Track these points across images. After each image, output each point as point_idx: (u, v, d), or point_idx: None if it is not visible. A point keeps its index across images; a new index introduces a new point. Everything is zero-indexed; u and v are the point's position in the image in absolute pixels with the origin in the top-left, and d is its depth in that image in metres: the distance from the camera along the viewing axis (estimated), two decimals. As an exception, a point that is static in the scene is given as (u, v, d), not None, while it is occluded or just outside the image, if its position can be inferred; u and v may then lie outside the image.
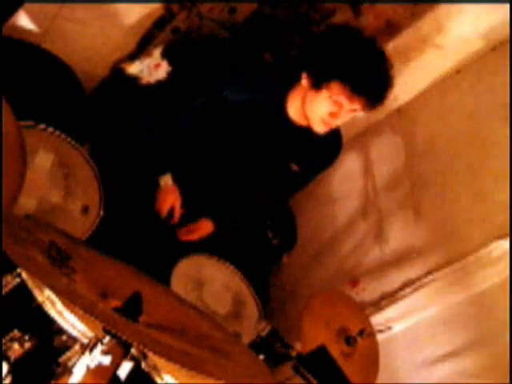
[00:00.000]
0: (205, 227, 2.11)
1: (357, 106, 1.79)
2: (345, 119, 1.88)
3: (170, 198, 2.00)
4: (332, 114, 1.82)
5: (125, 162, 2.15)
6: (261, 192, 2.16)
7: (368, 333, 1.86)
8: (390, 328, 1.94)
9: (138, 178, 2.08)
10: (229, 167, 2.08)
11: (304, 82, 1.84)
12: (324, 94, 1.79)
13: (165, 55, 2.21)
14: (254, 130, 1.99)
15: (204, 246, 2.06)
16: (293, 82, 1.91)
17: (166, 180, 2.00)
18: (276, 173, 2.09)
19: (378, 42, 1.85)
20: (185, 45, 2.23)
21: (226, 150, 2.04)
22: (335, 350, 1.76)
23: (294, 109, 1.94)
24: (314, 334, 1.79)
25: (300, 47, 2.12)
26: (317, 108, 1.84)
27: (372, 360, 1.90)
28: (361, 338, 1.84)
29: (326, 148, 2.07)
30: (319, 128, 1.89)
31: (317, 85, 1.80)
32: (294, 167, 2.07)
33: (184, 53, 2.26)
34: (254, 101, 1.93)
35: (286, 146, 2.02)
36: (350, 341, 1.85)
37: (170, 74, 2.25)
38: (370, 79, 1.76)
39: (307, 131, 1.94)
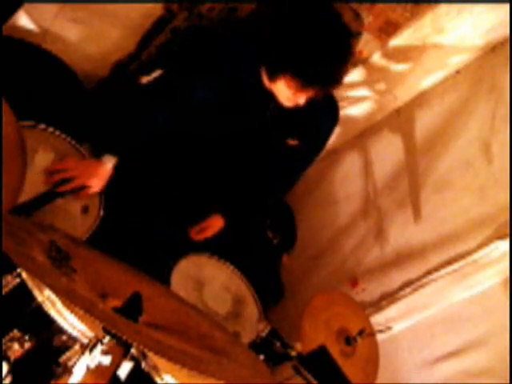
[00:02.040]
0: (216, 223, 2.09)
1: (312, 92, 1.75)
2: (310, 95, 1.81)
3: (98, 173, 1.77)
4: (294, 94, 1.78)
5: (125, 162, 2.14)
6: (266, 177, 2.13)
7: (368, 333, 1.86)
8: (389, 328, 1.94)
9: (138, 178, 2.08)
10: (229, 155, 2.06)
11: (263, 74, 1.82)
12: (279, 84, 1.76)
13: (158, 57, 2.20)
14: (246, 109, 1.96)
15: (204, 246, 2.06)
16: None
17: (110, 160, 1.81)
18: (276, 151, 2.06)
19: (331, 17, 1.72)
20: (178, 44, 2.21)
21: (224, 136, 2.02)
22: (335, 350, 1.77)
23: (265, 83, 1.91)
24: (315, 334, 1.79)
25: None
26: (278, 94, 1.82)
27: (372, 360, 1.90)
28: (360, 338, 1.84)
29: (322, 117, 2.04)
30: (287, 104, 1.86)
31: (271, 77, 1.78)
32: (292, 142, 2.03)
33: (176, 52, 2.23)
34: (244, 78, 1.90)
35: (279, 121, 1.99)
36: (349, 341, 1.85)
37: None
38: (319, 71, 1.68)
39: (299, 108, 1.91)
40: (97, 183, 1.77)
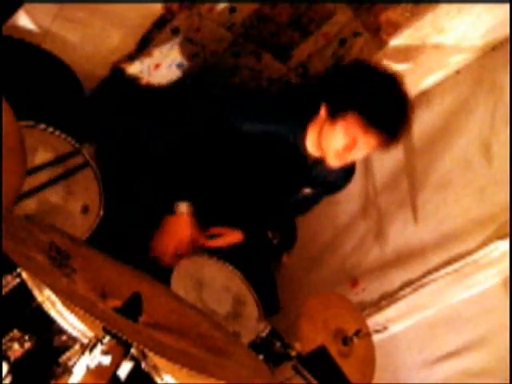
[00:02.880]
0: (235, 236, 2.06)
1: (371, 140, 1.78)
2: (358, 155, 1.86)
3: (186, 229, 1.87)
4: (346, 147, 1.80)
5: (127, 162, 2.14)
6: (272, 213, 2.17)
7: (364, 333, 1.87)
8: (386, 328, 1.94)
9: (142, 180, 2.07)
10: (240, 190, 2.07)
11: (322, 112, 1.84)
12: (339, 125, 1.78)
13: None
14: (268, 159, 1.98)
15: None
16: (312, 114, 1.90)
17: (183, 207, 1.87)
18: (288, 198, 2.10)
19: (400, 80, 1.83)
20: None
21: (238, 174, 2.03)
22: (333, 350, 1.77)
23: (311, 141, 1.93)
24: (313, 334, 1.79)
25: (320, 78, 2.11)
26: (332, 140, 1.82)
27: (368, 360, 1.91)
28: (357, 338, 1.84)
29: (339, 174, 2.08)
30: (333, 161, 1.87)
31: (333, 115, 1.79)
32: (307, 191, 2.08)
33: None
34: (269, 133, 1.92)
35: (301, 176, 2.02)
36: (346, 341, 1.86)
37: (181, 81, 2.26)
38: (385, 113, 1.75)
39: (322, 162, 1.94)
40: (191, 232, 1.87)
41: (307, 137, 1.93)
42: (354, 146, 1.79)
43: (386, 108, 1.75)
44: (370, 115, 1.73)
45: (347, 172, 2.12)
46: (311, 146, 1.94)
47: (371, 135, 1.76)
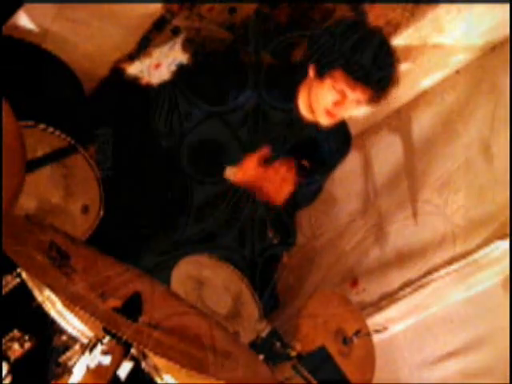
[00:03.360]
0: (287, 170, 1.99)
1: (360, 95, 1.79)
2: (349, 112, 1.88)
3: (253, 171, 1.92)
4: (336, 104, 1.82)
5: (126, 162, 2.14)
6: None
7: (364, 333, 1.87)
8: (386, 328, 1.94)
9: (142, 179, 2.07)
10: None
11: (310, 72, 1.86)
12: (328, 82, 1.80)
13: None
14: (264, 130, 1.98)
15: (204, 246, 2.06)
16: (301, 79, 1.92)
17: (232, 170, 1.93)
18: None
19: (384, 34, 1.86)
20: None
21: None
22: (333, 350, 1.77)
23: (302, 103, 1.95)
24: (313, 334, 1.79)
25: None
26: (321, 98, 1.85)
27: (368, 360, 1.91)
28: (357, 338, 1.84)
29: (335, 143, 2.08)
30: (324, 120, 1.89)
31: (321, 74, 1.81)
32: (305, 163, 2.06)
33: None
34: (262, 101, 1.93)
35: (297, 144, 2.02)
36: (346, 341, 1.86)
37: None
38: (369, 68, 1.76)
39: (317, 128, 1.94)
40: (255, 165, 1.91)
41: (299, 100, 1.94)
42: (343, 102, 1.81)
43: (369, 63, 1.75)
44: (354, 71, 1.75)
45: (342, 140, 2.11)
46: (303, 109, 1.95)
47: (359, 90, 1.78)
